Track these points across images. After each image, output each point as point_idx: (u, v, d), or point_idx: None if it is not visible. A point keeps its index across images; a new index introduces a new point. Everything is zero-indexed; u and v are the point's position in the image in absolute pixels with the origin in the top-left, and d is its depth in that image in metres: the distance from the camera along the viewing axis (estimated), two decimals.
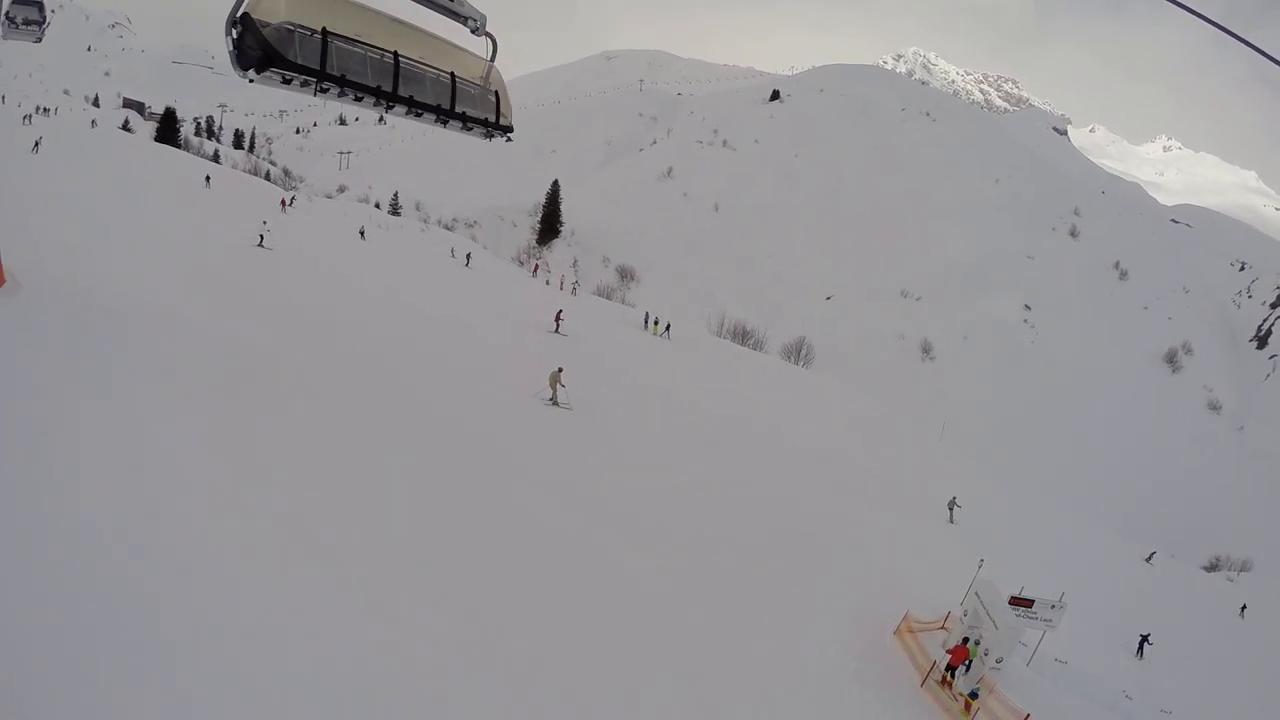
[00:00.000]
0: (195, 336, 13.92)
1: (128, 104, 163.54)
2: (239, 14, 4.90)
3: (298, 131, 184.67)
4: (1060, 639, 16.52)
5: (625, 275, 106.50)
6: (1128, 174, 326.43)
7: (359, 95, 5.47)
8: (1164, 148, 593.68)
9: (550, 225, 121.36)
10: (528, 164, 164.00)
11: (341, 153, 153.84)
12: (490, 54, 6.35)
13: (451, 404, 17.34)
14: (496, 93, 6.55)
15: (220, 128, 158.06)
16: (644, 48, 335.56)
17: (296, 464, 10.20)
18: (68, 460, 7.66)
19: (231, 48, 4.94)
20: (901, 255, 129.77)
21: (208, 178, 43.89)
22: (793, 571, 14.59)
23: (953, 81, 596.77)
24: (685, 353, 39.15)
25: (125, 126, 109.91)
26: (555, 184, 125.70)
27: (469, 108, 6.30)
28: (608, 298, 71.56)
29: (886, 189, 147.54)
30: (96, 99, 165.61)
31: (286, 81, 5.08)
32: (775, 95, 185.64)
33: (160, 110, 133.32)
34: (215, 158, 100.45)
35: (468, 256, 49.08)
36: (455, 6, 5.75)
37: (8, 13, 12.79)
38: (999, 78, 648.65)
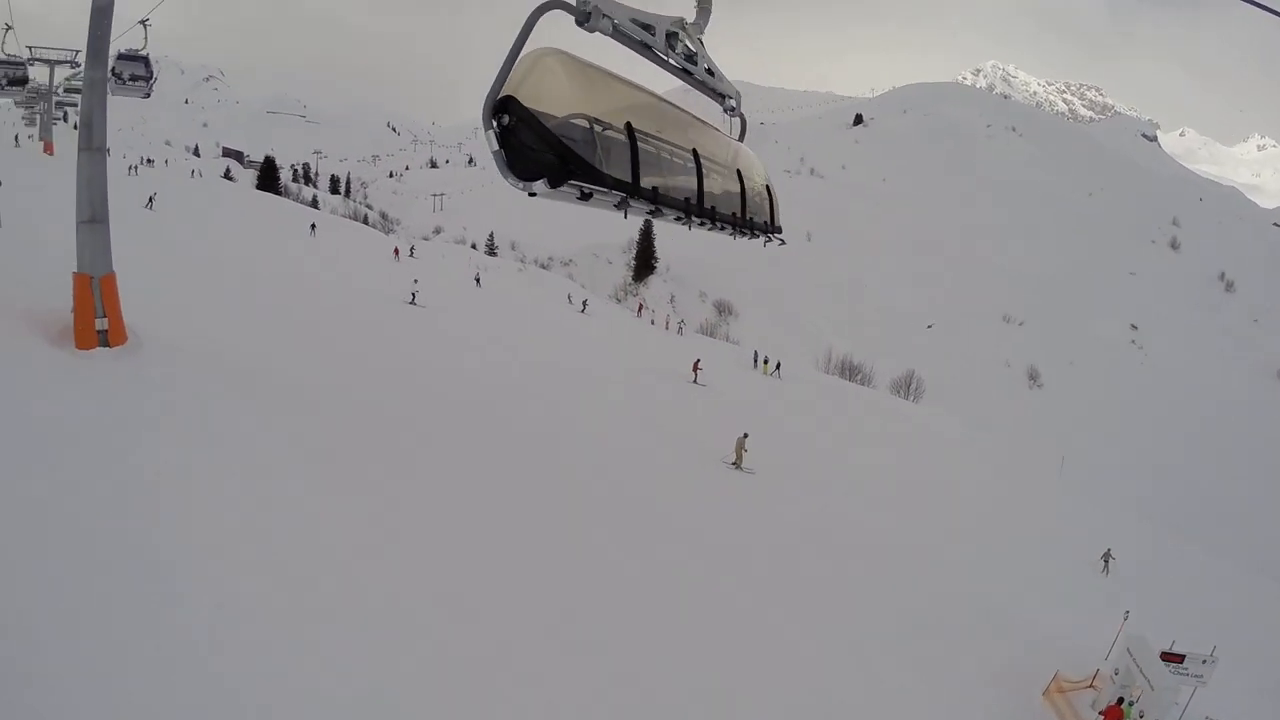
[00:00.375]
0: (334, 398, 13.07)
1: (227, 153, 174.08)
2: (500, 97, 3.16)
3: (391, 175, 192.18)
4: (1210, 693, 14.86)
5: (723, 310, 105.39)
6: (1223, 178, 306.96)
7: (667, 211, 4.15)
8: (1258, 146, 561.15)
9: (645, 261, 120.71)
10: None
11: (435, 195, 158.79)
12: (740, 136, 5.29)
13: (627, 476, 16.46)
14: (768, 187, 5.40)
15: (316, 173, 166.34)
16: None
17: (460, 541, 9.54)
18: (202, 525, 7.17)
19: (497, 146, 3.18)
20: (999, 278, 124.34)
21: (313, 225, 43.85)
22: (936, 628, 13.64)
23: (1035, 93, 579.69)
24: (804, 394, 37.63)
25: (227, 175, 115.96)
26: (648, 219, 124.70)
27: (755, 212, 5.13)
28: (710, 335, 70.84)
29: (978, 209, 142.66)
30: (196, 149, 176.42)
31: (585, 197, 3.40)
32: (859, 119, 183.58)
33: (258, 158, 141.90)
34: (314, 203, 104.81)
35: (584, 303, 49.07)
36: (715, 83, 4.57)
37: (114, 69, 12.87)
38: (1081, 86, 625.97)
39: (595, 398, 24.21)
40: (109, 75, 12.88)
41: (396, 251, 45.24)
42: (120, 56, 12.75)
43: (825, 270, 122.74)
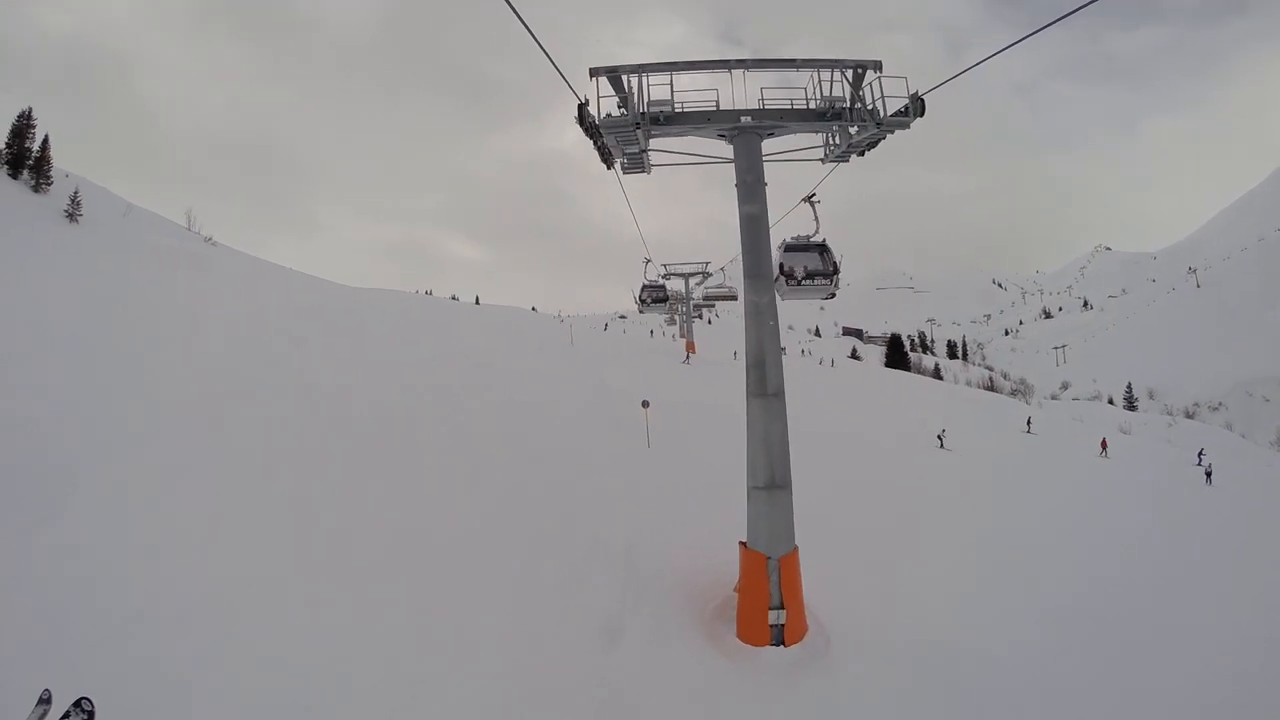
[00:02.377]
0: None
1: (847, 332, 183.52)
2: None
3: (1006, 333, 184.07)
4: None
5: None
6: None
7: None
8: None
9: None
10: (1268, 317, 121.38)
11: (1056, 348, 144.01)
12: None
13: None
14: None
15: (932, 340, 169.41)
16: None
17: None
18: None
19: None
20: None
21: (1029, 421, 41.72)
22: None
23: None
24: None
25: (854, 355, 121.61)
26: None
27: None
28: None
29: None
30: (817, 329, 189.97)
31: None
32: None
33: (874, 333, 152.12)
34: (936, 371, 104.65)
35: None
36: None
37: (781, 265, 10.88)
38: None
39: None
40: (778, 274, 10.67)
41: (1104, 444, 36.34)
42: (787, 248, 10.71)
43: None
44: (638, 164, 11.26)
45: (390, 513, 11.64)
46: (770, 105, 10.26)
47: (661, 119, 10.08)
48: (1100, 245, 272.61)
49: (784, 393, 9.48)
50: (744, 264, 9.85)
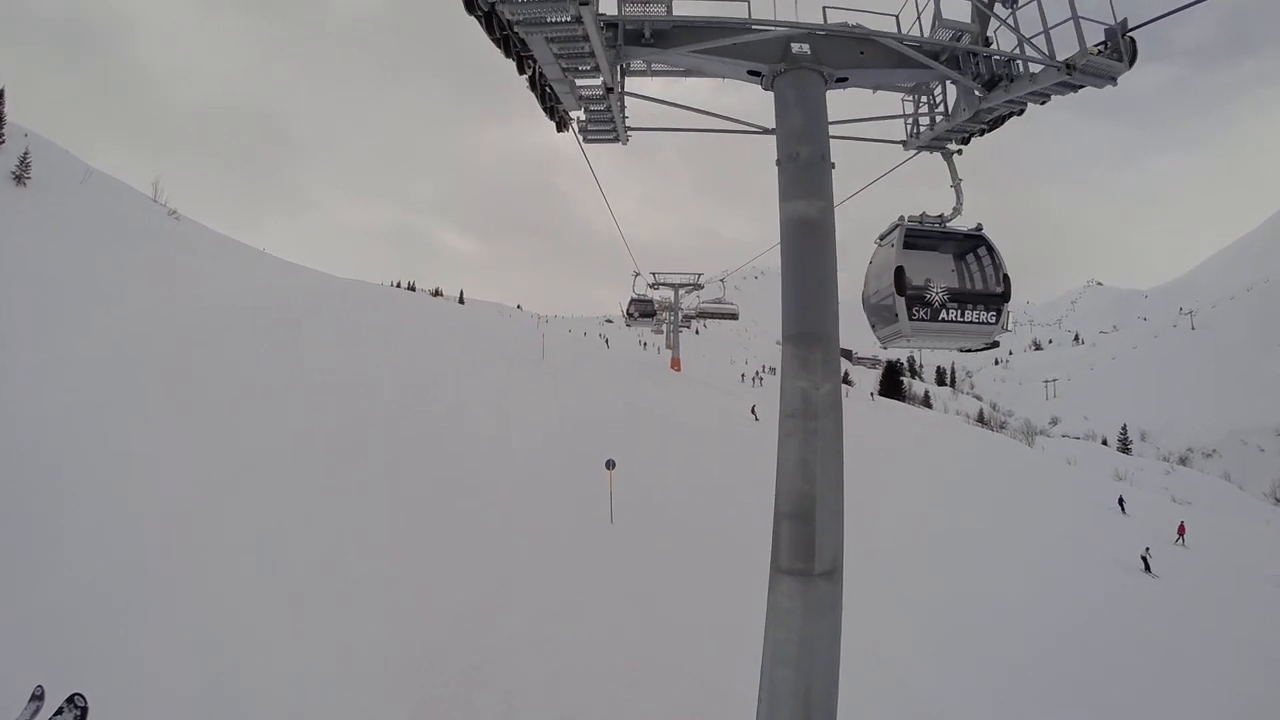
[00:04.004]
0: None
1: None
2: None
3: (996, 362, 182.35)
4: None
5: None
6: None
7: None
8: None
9: None
10: (1262, 366, 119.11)
11: (1046, 381, 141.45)
12: None
13: None
14: None
15: (921, 365, 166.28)
16: None
17: None
18: None
19: None
20: None
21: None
22: None
23: None
24: None
25: (845, 379, 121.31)
26: None
27: None
28: None
29: None
30: None
31: None
32: None
33: (863, 354, 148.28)
34: (926, 399, 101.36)
35: None
36: None
37: (900, 277, 6.40)
38: None
39: None
40: (890, 292, 6.39)
41: (1181, 530, 27.46)
42: (909, 236, 6.50)
43: None
44: (605, 124, 6.73)
45: None
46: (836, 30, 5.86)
47: (648, 35, 5.69)
48: (1092, 280, 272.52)
49: (841, 571, 5.07)
50: (785, 316, 5.44)
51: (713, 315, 42.21)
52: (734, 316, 41.18)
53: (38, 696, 4.47)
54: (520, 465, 15.50)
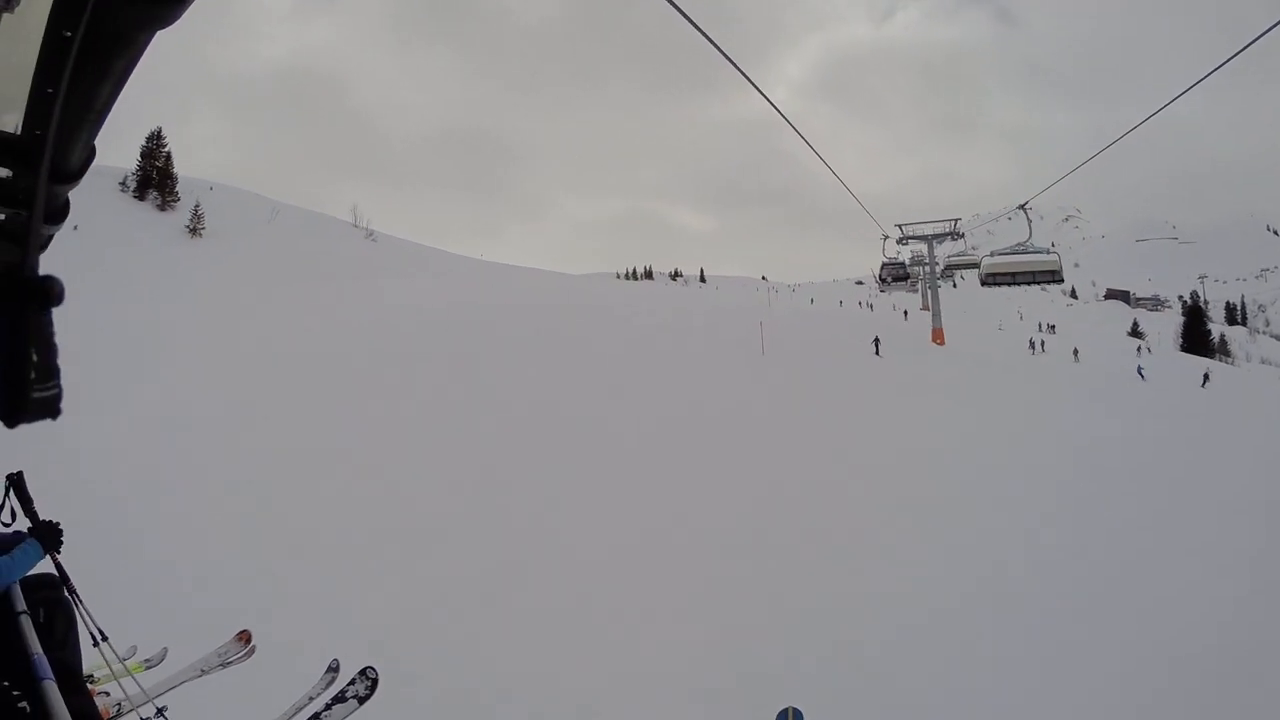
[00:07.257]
0: None
1: (1110, 294, 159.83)
2: None
3: None
4: None
5: None
6: None
7: None
8: None
9: None
10: None
11: None
12: None
13: None
14: None
15: (1206, 302, 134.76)
16: None
17: None
18: None
19: None
20: None
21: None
22: None
23: None
24: None
25: (1135, 332, 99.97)
26: None
27: None
28: None
29: None
30: (1073, 291, 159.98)
31: None
32: None
33: (1141, 295, 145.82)
34: (1222, 344, 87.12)
35: None
36: None
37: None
38: None
39: None
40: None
41: None
42: None
43: None
44: None
45: None
46: None
47: None
48: None
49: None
50: None
51: (957, 268, 35.47)
52: (977, 265, 30.55)
53: (333, 669, 4.24)
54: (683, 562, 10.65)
